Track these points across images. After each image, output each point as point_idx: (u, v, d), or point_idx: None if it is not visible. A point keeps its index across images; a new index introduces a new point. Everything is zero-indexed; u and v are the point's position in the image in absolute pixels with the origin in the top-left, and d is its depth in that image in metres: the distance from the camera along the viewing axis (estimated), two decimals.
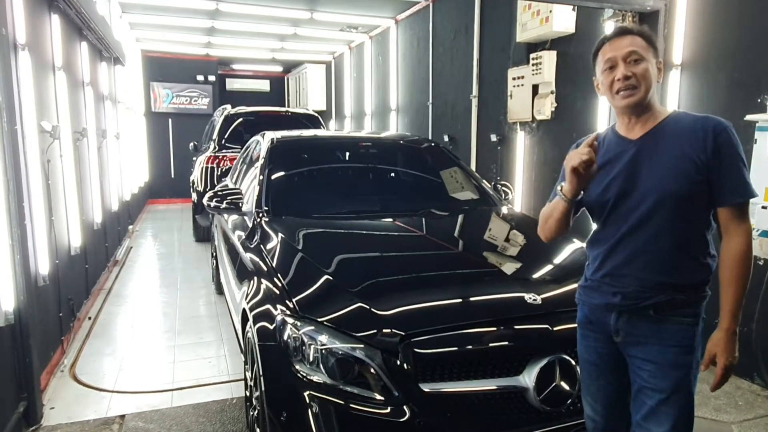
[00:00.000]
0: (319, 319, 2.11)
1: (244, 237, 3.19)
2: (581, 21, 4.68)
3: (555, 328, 2.13)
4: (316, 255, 2.61)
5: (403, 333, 2.02)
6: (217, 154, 7.04)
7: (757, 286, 3.26)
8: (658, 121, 1.68)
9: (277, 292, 2.35)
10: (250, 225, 3.19)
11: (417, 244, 2.97)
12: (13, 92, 2.84)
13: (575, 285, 1.92)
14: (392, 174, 4.09)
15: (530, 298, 2.22)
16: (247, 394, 2.69)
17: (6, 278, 2.64)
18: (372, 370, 1.99)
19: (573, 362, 2.05)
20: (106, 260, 5.82)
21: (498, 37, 5.84)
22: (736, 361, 1.62)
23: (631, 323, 1.70)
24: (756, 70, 3.32)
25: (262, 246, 2.83)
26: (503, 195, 3.80)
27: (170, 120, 11.80)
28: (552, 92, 4.99)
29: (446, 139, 6.97)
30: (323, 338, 2.05)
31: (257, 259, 2.76)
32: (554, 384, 2.04)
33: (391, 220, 3.20)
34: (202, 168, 7.03)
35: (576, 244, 2.81)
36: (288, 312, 2.18)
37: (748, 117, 3.19)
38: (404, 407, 1.95)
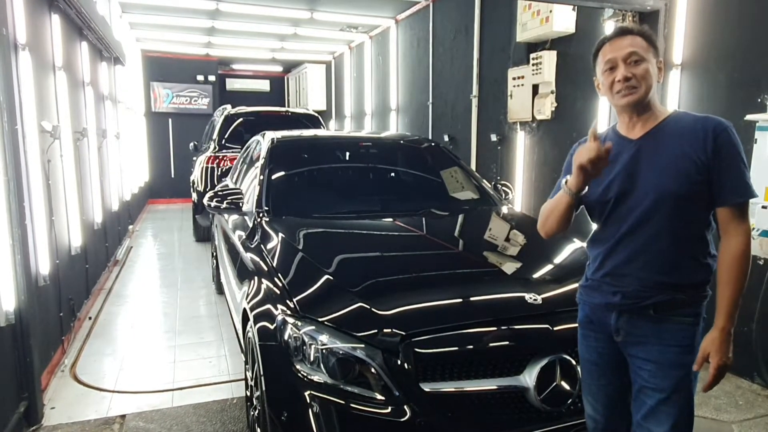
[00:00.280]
0: (320, 319, 2.11)
1: (244, 237, 3.19)
2: (581, 21, 4.68)
3: (555, 328, 2.13)
4: (317, 255, 2.61)
5: (403, 333, 2.02)
6: (217, 154, 7.05)
7: (757, 286, 3.26)
8: (658, 120, 1.69)
9: (278, 291, 2.35)
10: (251, 225, 3.19)
11: (417, 243, 2.97)
12: (14, 92, 2.85)
13: (576, 285, 1.92)
14: (392, 174, 4.09)
15: (531, 297, 2.22)
16: (248, 393, 2.69)
17: (7, 278, 2.65)
18: (372, 370, 1.99)
19: (573, 362, 2.05)
20: (106, 260, 5.82)
21: (498, 37, 5.85)
22: (730, 362, 1.61)
23: (631, 323, 1.70)
24: (756, 70, 3.32)
25: (262, 246, 2.83)
26: (503, 195, 3.81)
27: (170, 120, 11.80)
28: (552, 92, 4.99)
29: (446, 139, 6.97)
30: (324, 338, 2.05)
31: (258, 259, 2.76)
32: (555, 384, 2.04)
33: (391, 219, 3.20)
34: (203, 168, 7.03)
35: (576, 244, 2.81)
36: (288, 312, 2.18)
37: (748, 117, 3.19)
38: (405, 407, 1.95)
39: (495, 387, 2.03)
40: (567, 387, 2.06)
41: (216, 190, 3.54)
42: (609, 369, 1.81)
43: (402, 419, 1.94)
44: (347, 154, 4.10)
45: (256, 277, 2.62)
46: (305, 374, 2.04)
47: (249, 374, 2.63)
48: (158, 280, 5.89)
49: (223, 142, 7.26)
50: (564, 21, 4.70)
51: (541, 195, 5.32)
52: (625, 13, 3.95)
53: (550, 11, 4.69)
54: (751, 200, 1.62)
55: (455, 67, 6.80)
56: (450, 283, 2.48)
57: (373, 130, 9.50)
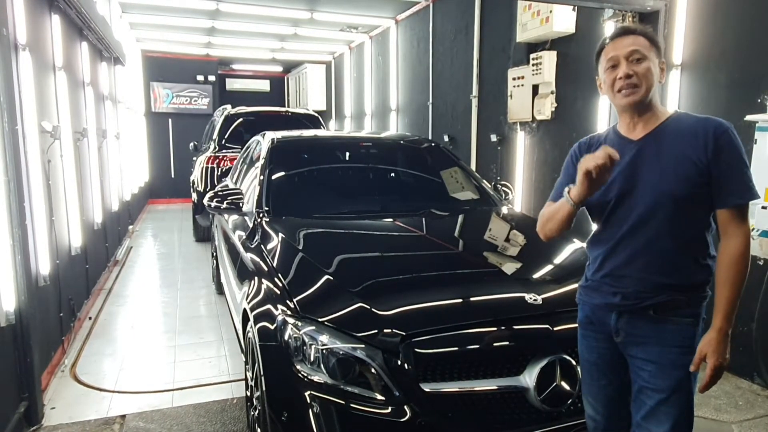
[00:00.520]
0: (320, 319, 2.11)
1: (244, 237, 3.19)
2: (581, 21, 4.68)
3: (555, 328, 2.13)
4: (317, 255, 2.61)
5: (403, 333, 2.03)
6: (217, 154, 7.05)
7: (757, 286, 3.26)
8: (659, 121, 1.69)
9: (278, 292, 2.35)
10: (251, 225, 3.19)
11: (417, 244, 2.97)
12: (14, 92, 2.85)
13: (575, 285, 1.93)
14: (392, 174, 4.09)
15: (531, 298, 2.22)
16: (248, 394, 2.69)
17: (7, 278, 2.65)
18: (373, 370, 1.99)
19: (573, 362, 2.05)
20: (106, 260, 5.82)
21: (498, 37, 5.85)
22: (727, 363, 1.61)
23: (631, 323, 1.70)
24: (756, 70, 3.33)
25: (262, 246, 2.83)
26: (503, 195, 3.81)
27: (170, 120, 11.80)
28: (552, 92, 5.00)
29: (446, 139, 6.97)
30: (324, 338, 2.05)
31: (258, 259, 2.76)
32: (555, 384, 2.04)
33: (391, 220, 3.20)
34: (203, 168, 7.03)
35: (576, 244, 2.81)
36: (289, 312, 2.18)
37: (748, 117, 3.19)
38: (405, 407, 1.95)
39: (495, 387, 2.03)
40: (567, 387, 2.06)
41: (216, 190, 3.54)
42: (609, 369, 1.81)
43: (402, 419, 1.94)
44: (347, 154, 4.10)
45: (256, 278, 2.62)
46: (305, 374, 2.04)
47: (249, 374, 2.63)
48: (158, 281, 5.89)
49: (223, 142, 7.27)
50: (564, 21, 4.71)
51: (541, 195, 5.32)
52: (625, 13, 3.95)
53: (550, 11, 4.69)
54: (750, 201, 1.63)
55: (455, 67, 6.80)
56: (450, 284, 2.48)
57: (373, 130, 9.50)
